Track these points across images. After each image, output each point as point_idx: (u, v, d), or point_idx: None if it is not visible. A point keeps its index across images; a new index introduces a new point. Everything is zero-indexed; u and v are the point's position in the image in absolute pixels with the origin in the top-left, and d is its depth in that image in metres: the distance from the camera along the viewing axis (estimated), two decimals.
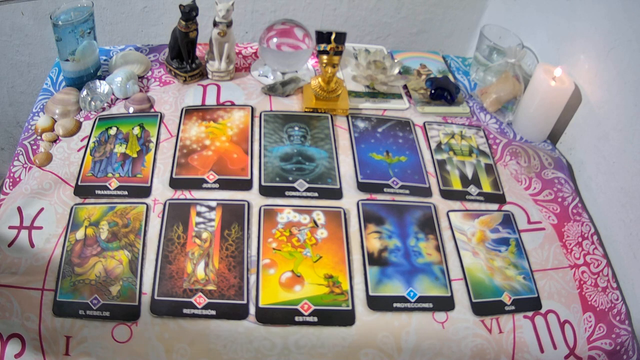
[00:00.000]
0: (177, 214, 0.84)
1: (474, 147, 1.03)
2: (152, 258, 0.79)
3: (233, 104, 1.04)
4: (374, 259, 0.82)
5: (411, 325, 0.77)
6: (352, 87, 1.12)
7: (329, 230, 0.85)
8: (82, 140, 0.94)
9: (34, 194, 0.85)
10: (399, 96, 1.11)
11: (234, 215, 0.84)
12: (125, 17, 1.35)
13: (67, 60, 0.99)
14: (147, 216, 0.83)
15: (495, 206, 0.94)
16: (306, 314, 0.76)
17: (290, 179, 0.91)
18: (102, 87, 1.01)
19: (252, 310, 0.75)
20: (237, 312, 0.75)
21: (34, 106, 1.01)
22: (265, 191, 0.89)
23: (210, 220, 0.84)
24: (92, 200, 0.85)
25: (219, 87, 1.07)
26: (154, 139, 0.95)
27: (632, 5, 0.90)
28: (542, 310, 0.82)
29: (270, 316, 0.75)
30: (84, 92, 1.00)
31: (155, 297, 0.75)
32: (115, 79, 1.02)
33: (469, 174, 0.98)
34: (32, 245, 0.80)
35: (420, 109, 1.09)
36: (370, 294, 0.78)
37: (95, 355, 0.71)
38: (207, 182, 0.89)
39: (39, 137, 0.95)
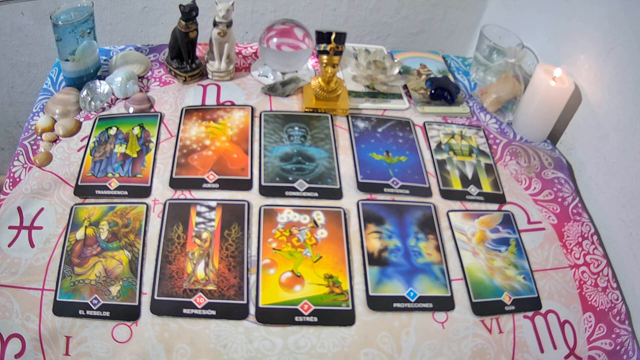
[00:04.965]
0: (177, 214, 0.84)
1: (474, 147, 1.03)
2: (152, 258, 0.79)
3: (233, 104, 1.04)
4: (374, 259, 0.82)
5: (411, 325, 0.77)
6: (352, 87, 1.12)
7: (329, 230, 0.84)
8: (82, 140, 0.94)
9: (34, 194, 0.85)
10: (399, 96, 1.11)
11: (234, 215, 0.84)
12: (125, 17, 1.35)
13: (67, 60, 0.99)
14: (147, 216, 0.83)
15: (495, 206, 0.94)
16: (306, 314, 0.76)
17: (290, 179, 0.91)
18: (102, 87, 1.01)
19: (252, 310, 0.75)
20: (237, 312, 0.75)
21: (34, 106, 1.01)
22: (265, 191, 0.89)
23: (210, 220, 0.84)
24: (92, 200, 0.85)
25: (219, 87, 1.07)
26: (154, 139, 0.95)
27: (632, 5, 0.90)
28: (542, 310, 0.82)
29: (270, 316, 0.75)
30: (84, 92, 1.00)
31: (155, 297, 0.75)
32: (115, 79, 1.02)
33: (469, 174, 0.98)
34: (32, 245, 0.80)
35: (420, 109, 1.09)
36: (370, 294, 0.78)
37: (95, 355, 0.71)
38: (207, 182, 0.89)
39: (39, 137, 0.95)
